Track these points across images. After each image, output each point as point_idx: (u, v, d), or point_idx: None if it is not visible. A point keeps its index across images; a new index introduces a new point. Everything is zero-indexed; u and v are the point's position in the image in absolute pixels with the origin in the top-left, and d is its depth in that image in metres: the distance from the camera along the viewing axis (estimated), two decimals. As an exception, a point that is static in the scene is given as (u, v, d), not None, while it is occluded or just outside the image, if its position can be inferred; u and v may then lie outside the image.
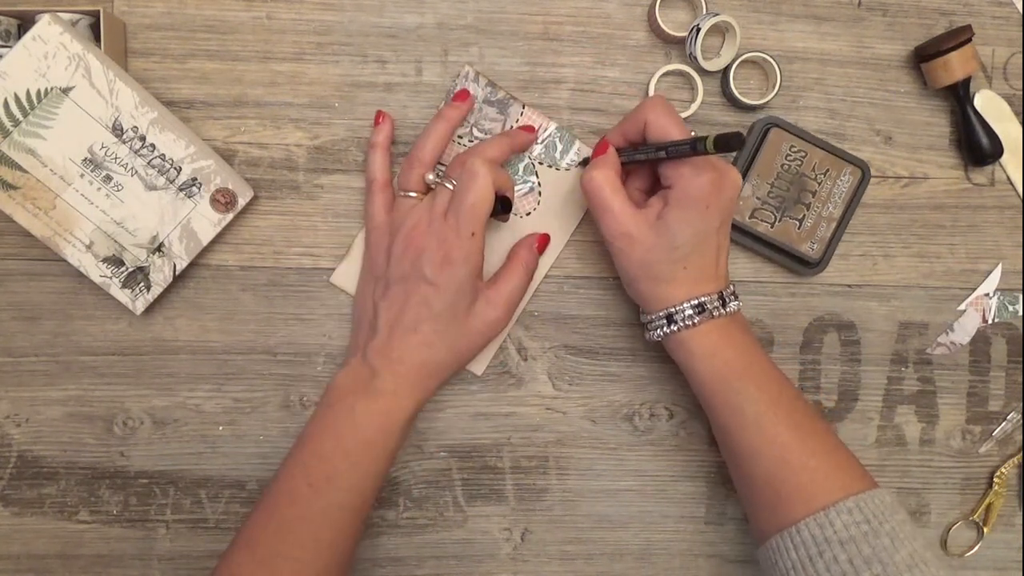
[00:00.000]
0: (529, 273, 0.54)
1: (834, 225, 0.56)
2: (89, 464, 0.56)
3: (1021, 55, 0.59)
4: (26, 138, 0.49)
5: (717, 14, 0.54)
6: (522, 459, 0.58)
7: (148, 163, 0.51)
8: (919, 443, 0.60)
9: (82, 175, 0.50)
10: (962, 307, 0.60)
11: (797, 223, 0.56)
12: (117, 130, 0.50)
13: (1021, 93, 0.59)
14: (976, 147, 0.57)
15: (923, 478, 0.61)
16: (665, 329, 0.50)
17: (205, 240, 0.53)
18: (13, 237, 0.55)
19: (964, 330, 0.60)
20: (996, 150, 0.57)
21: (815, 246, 0.57)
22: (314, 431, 0.50)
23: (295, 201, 0.56)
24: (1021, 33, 0.59)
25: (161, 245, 0.52)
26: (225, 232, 0.55)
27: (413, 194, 0.52)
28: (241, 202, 0.53)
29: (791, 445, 0.48)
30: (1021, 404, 0.61)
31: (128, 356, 0.56)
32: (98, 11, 0.51)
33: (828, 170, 0.56)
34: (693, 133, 0.49)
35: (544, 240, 0.56)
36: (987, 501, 0.61)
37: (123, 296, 0.52)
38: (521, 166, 0.57)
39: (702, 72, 0.56)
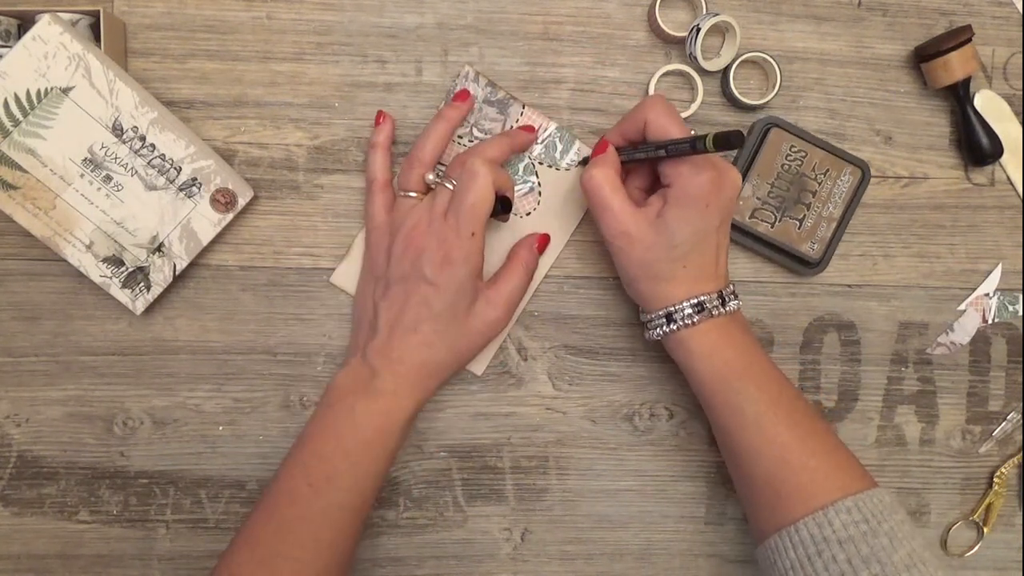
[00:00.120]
0: (529, 273, 0.54)
1: (834, 225, 0.57)
2: (89, 464, 0.56)
3: (1021, 55, 0.59)
4: (26, 138, 0.49)
5: (717, 14, 0.54)
6: (522, 459, 0.58)
7: (148, 163, 0.51)
8: (919, 443, 0.60)
9: (82, 175, 0.50)
10: (962, 307, 0.60)
11: (797, 223, 0.56)
12: (117, 130, 0.50)
13: (1021, 93, 0.59)
14: (976, 147, 0.57)
15: (923, 478, 0.61)
16: (664, 328, 0.50)
17: (205, 240, 0.53)
18: (13, 237, 0.55)
19: (964, 330, 0.60)
20: (996, 150, 0.57)
21: (815, 246, 0.57)
22: (314, 431, 0.50)
23: (295, 201, 0.56)
24: (1021, 33, 0.59)
25: (161, 245, 0.52)
26: (225, 232, 0.55)
27: (413, 194, 0.52)
28: (241, 202, 0.53)
29: (790, 445, 0.48)
30: (1021, 404, 0.61)
31: (128, 356, 0.56)
32: (98, 11, 0.51)
33: (828, 170, 0.56)
34: (693, 132, 0.49)
35: (544, 240, 0.56)
36: (987, 501, 0.61)
37: (123, 296, 0.52)
38: (521, 166, 0.57)
39: (702, 72, 0.56)
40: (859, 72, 0.58)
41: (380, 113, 0.54)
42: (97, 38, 0.52)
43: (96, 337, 0.56)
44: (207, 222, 0.52)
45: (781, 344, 0.59)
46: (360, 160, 0.56)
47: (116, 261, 0.52)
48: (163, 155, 0.51)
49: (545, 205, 0.57)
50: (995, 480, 0.60)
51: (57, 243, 0.51)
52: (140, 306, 0.53)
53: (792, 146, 0.56)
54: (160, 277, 0.53)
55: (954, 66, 0.55)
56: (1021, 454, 0.61)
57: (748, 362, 0.50)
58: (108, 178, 0.51)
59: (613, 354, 0.58)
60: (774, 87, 0.56)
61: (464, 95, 0.54)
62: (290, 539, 0.47)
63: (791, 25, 0.58)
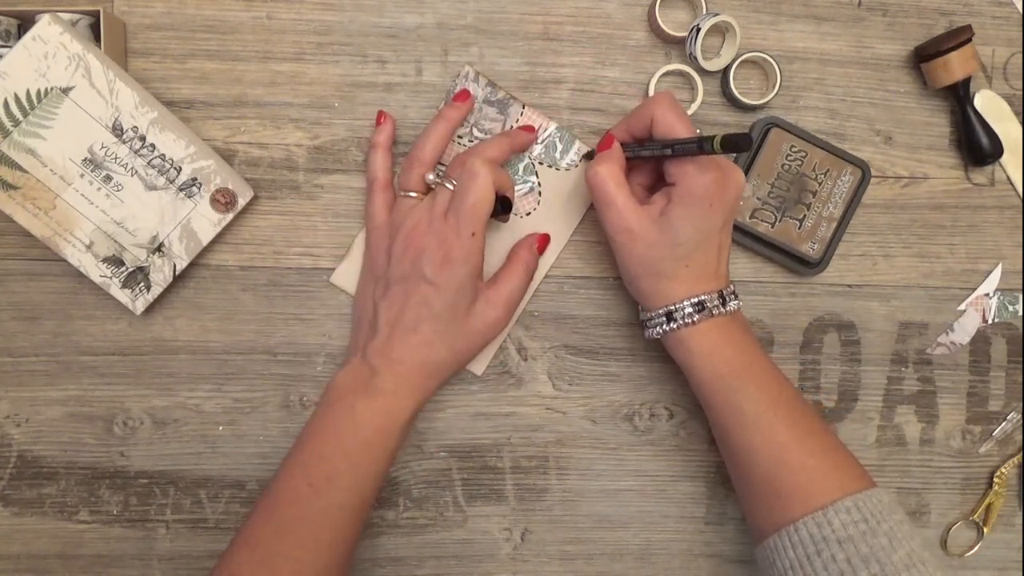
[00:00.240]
0: (529, 273, 0.54)
1: (834, 225, 0.57)
2: (89, 464, 0.56)
3: (1021, 55, 0.59)
4: (26, 138, 0.49)
5: (717, 14, 0.54)
6: (522, 459, 0.58)
7: (148, 163, 0.51)
8: (919, 443, 0.60)
9: (82, 175, 0.50)
10: (962, 307, 0.60)
11: (797, 223, 0.56)
12: (117, 130, 0.50)
13: (1021, 93, 0.59)
14: (976, 147, 0.57)
15: (923, 478, 0.61)
16: (665, 327, 0.50)
17: (205, 240, 0.53)
18: (13, 237, 0.55)
19: (964, 330, 0.60)
20: (996, 150, 0.57)
21: (815, 246, 0.57)
22: (314, 431, 0.50)
23: (295, 201, 0.56)
24: (1021, 33, 0.59)
25: (161, 245, 0.52)
26: (225, 232, 0.55)
27: (413, 194, 0.52)
28: (241, 202, 0.53)
29: (790, 444, 0.48)
30: (1021, 404, 0.61)
31: (128, 356, 0.56)
32: (98, 11, 0.51)
33: (828, 170, 0.56)
34: (699, 132, 0.49)
35: (544, 240, 0.56)
36: (987, 501, 0.61)
37: (123, 296, 0.52)
38: (521, 166, 0.57)
39: (702, 72, 0.56)
40: (859, 72, 0.58)
41: (381, 113, 0.54)
42: (97, 38, 0.52)
43: (96, 337, 0.56)
44: (207, 222, 0.52)
45: (781, 344, 0.59)
46: (360, 160, 0.56)
47: (116, 261, 0.52)
48: (163, 155, 0.51)
49: (545, 205, 0.57)
50: (995, 480, 0.60)
51: (57, 243, 0.51)
52: (140, 306, 0.53)
53: (792, 146, 0.56)
54: (160, 277, 0.53)
55: (954, 66, 0.55)
56: (1021, 454, 0.61)
57: (748, 362, 0.50)
58: (108, 178, 0.51)
59: (613, 354, 0.58)
60: (774, 87, 0.56)
61: (464, 95, 0.54)
62: (290, 539, 0.47)
63: (791, 25, 0.58)
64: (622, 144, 0.51)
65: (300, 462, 0.49)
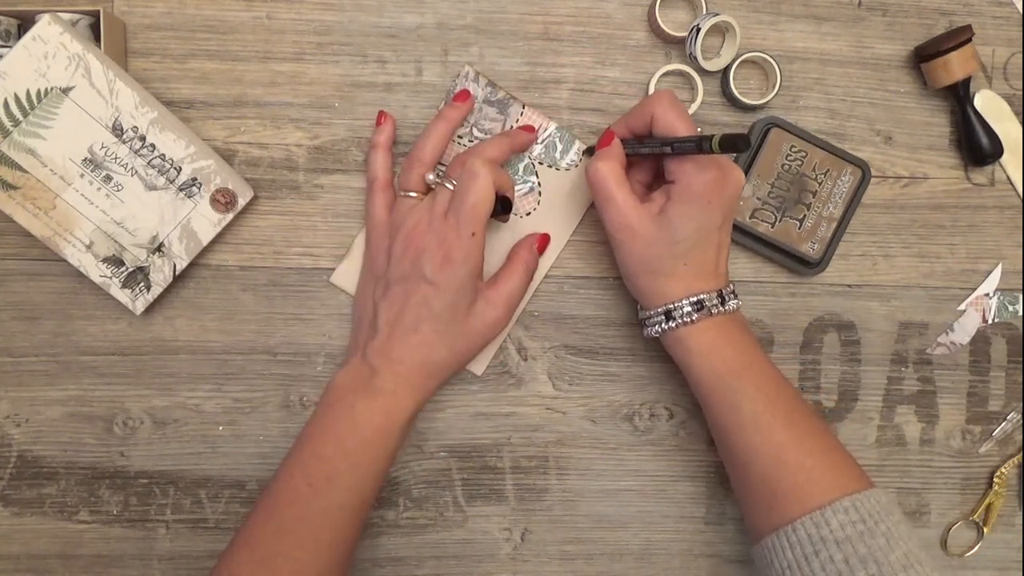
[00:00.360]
0: (529, 273, 0.54)
1: (834, 225, 0.56)
2: (89, 464, 0.56)
3: (1021, 55, 0.59)
4: (26, 138, 0.49)
5: (717, 14, 0.54)
6: (522, 459, 0.58)
7: (148, 163, 0.51)
8: (919, 443, 0.60)
9: (82, 175, 0.50)
10: (962, 307, 0.60)
11: (797, 223, 0.56)
12: (117, 130, 0.50)
13: (1021, 93, 0.59)
14: (976, 147, 0.57)
15: (923, 478, 0.61)
16: (663, 325, 0.50)
17: (205, 240, 0.53)
18: (13, 237, 0.55)
19: (964, 330, 0.60)
20: (996, 150, 0.57)
21: (815, 246, 0.57)
22: (314, 431, 0.50)
23: (295, 201, 0.56)
24: (1021, 33, 0.59)
25: (161, 245, 0.52)
26: (225, 232, 0.55)
27: (413, 194, 0.52)
28: (241, 202, 0.53)
29: (788, 444, 0.48)
30: (1021, 404, 0.61)
31: (128, 356, 0.56)
32: (98, 11, 0.51)
33: (828, 170, 0.56)
34: (700, 130, 0.49)
35: (544, 240, 0.56)
36: (987, 501, 0.61)
37: (123, 296, 0.52)
38: (521, 166, 0.57)
39: (702, 72, 0.56)
40: (859, 72, 0.58)
41: (381, 113, 0.54)
42: (97, 38, 0.52)
43: (96, 337, 0.56)
44: (207, 222, 0.52)
45: (781, 344, 0.59)
46: (360, 160, 0.56)
47: (116, 261, 0.52)
48: (163, 155, 0.51)
49: (545, 205, 0.57)
50: (995, 480, 0.60)
51: (57, 243, 0.51)
52: (140, 306, 0.53)
53: (792, 146, 0.56)
54: (160, 277, 0.53)
55: (954, 66, 0.55)
56: (1021, 454, 0.61)
57: (746, 361, 0.50)
58: (108, 178, 0.51)
59: (613, 354, 0.58)
60: (774, 87, 0.56)
61: (464, 95, 0.54)
62: (290, 539, 0.47)
63: (791, 25, 0.58)
64: (622, 141, 0.51)
65: (300, 462, 0.49)
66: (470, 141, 0.56)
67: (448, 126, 0.53)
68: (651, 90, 0.57)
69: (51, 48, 0.48)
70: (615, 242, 0.50)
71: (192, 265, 0.54)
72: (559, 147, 0.56)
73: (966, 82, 0.56)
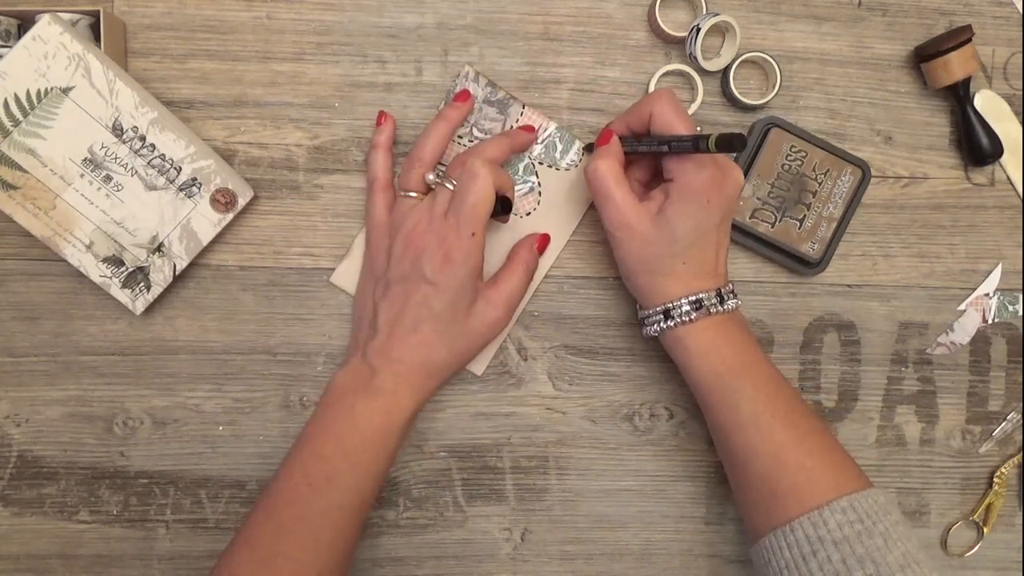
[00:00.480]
0: (529, 273, 0.54)
1: (834, 225, 0.56)
2: (89, 464, 0.56)
3: (1021, 55, 0.59)
4: (26, 138, 0.49)
5: (717, 14, 0.54)
6: (522, 459, 0.58)
7: (148, 163, 0.51)
8: (919, 443, 0.60)
9: (82, 175, 0.50)
10: (962, 307, 0.60)
11: (797, 223, 0.56)
12: (117, 130, 0.50)
13: (1021, 93, 0.59)
14: (976, 147, 0.57)
15: (923, 478, 0.61)
16: (662, 325, 0.50)
17: (205, 240, 0.53)
18: (13, 237, 0.55)
19: (964, 330, 0.60)
20: (996, 150, 0.57)
21: (815, 246, 0.57)
22: (314, 431, 0.50)
23: (295, 201, 0.56)
24: (1021, 33, 0.59)
25: (161, 245, 0.52)
26: (225, 232, 0.55)
27: (413, 194, 0.52)
28: (241, 202, 0.53)
29: (786, 444, 0.48)
30: (1021, 404, 0.61)
31: (128, 356, 0.56)
32: (98, 11, 0.51)
33: (828, 170, 0.56)
34: (699, 129, 0.49)
35: (544, 240, 0.56)
36: (987, 501, 0.61)
37: (123, 296, 0.52)
38: (521, 166, 0.57)
39: (702, 72, 0.56)
40: (859, 72, 0.58)
41: (381, 113, 0.54)
42: (97, 38, 0.52)
43: (96, 337, 0.56)
44: (207, 222, 0.52)
45: (781, 344, 0.59)
46: (360, 160, 0.56)
47: (116, 261, 0.52)
48: (163, 155, 0.51)
49: (545, 205, 0.57)
50: (995, 480, 0.60)
51: (57, 243, 0.51)
52: (140, 306, 0.53)
53: (792, 146, 0.56)
54: (160, 277, 0.53)
55: (954, 66, 0.55)
56: (1021, 454, 0.61)
57: (745, 361, 0.50)
58: (108, 178, 0.51)
59: (613, 354, 0.58)
60: (774, 87, 0.56)
61: (464, 95, 0.54)
62: (289, 539, 0.47)
63: (791, 25, 0.58)
64: (620, 139, 0.51)
65: (300, 462, 0.49)
66: (470, 141, 0.56)
67: (448, 126, 0.53)
68: (651, 90, 0.57)
69: (51, 48, 0.48)
70: (614, 241, 0.50)
71: (192, 265, 0.54)
72: (559, 147, 0.56)
73: (966, 82, 0.56)
